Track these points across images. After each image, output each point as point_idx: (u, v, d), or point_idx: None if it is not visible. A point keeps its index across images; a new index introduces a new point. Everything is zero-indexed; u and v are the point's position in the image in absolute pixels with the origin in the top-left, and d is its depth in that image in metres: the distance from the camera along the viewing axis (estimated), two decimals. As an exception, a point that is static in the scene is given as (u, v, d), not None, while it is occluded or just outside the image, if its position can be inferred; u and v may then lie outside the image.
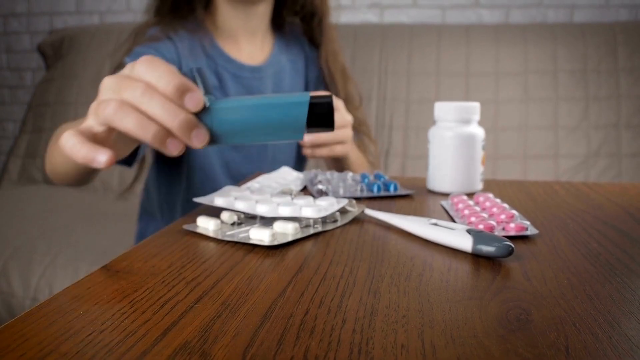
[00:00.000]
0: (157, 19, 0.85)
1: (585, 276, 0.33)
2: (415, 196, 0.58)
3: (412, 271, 0.34)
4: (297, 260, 0.36)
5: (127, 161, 0.69)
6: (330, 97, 0.40)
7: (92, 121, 0.39)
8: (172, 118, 0.36)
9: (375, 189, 0.57)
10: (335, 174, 0.63)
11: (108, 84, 0.39)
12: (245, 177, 0.87)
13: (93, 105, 0.40)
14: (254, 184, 0.58)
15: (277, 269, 0.34)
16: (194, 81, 0.41)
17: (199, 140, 0.38)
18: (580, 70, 1.57)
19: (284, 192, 0.53)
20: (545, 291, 0.30)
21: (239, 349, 0.24)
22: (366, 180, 0.59)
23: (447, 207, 0.51)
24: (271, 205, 0.44)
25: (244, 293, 0.30)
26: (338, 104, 0.72)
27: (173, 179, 0.87)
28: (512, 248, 0.35)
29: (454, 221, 0.47)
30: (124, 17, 2.02)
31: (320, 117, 0.40)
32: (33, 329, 0.26)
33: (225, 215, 0.45)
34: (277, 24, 0.92)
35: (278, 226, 0.42)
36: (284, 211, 0.44)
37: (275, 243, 0.39)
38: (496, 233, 0.41)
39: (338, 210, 0.47)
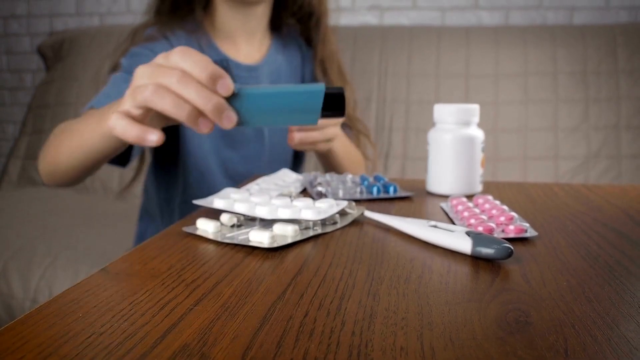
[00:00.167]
0: (156, 19, 0.85)
1: (585, 278, 0.33)
2: (414, 198, 0.58)
3: (411, 273, 0.34)
4: (297, 262, 0.36)
5: (121, 161, 0.70)
6: (342, 88, 0.46)
7: (128, 105, 0.43)
8: (205, 102, 0.41)
9: (374, 191, 0.57)
10: (335, 176, 0.63)
11: (142, 71, 0.43)
12: (242, 176, 0.87)
13: (128, 91, 0.44)
14: (254, 186, 0.58)
15: (276, 271, 0.34)
16: (225, 69, 0.44)
17: (228, 121, 0.42)
18: (580, 71, 1.57)
19: (283, 194, 0.53)
20: (544, 293, 0.30)
21: (238, 351, 0.24)
22: (366, 182, 0.59)
23: (447, 209, 0.51)
24: (271, 208, 0.44)
25: (244, 295, 0.30)
26: None
27: (171, 179, 0.87)
28: (512, 250, 0.35)
29: (453, 223, 0.47)
30: (124, 18, 2.02)
31: (333, 104, 0.46)
32: (32, 332, 0.26)
33: (224, 218, 0.45)
34: (275, 25, 0.92)
35: (277, 228, 0.42)
36: (284, 213, 0.44)
37: (275, 245, 0.39)
38: (495, 235, 0.41)
39: (337, 213, 0.47)
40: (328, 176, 0.63)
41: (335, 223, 0.46)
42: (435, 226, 0.40)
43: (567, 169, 1.53)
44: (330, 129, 0.75)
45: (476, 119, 0.59)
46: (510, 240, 0.41)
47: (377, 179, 0.61)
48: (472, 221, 0.43)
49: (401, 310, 0.28)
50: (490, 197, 0.51)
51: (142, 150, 0.74)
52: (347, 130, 0.90)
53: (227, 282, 0.33)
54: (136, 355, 0.23)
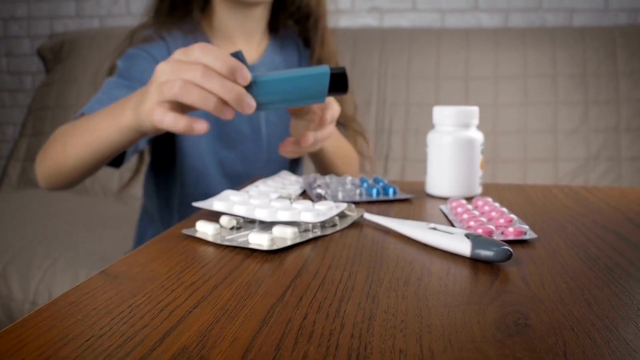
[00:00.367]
0: (154, 20, 0.85)
1: (584, 280, 0.33)
2: (414, 200, 0.58)
3: (410, 275, 0.34)
4: (296, 264, 0.36)
5: (115, 163, 0.70)
6: (344, 68, 0.52)
7: (156, 99, 0.48)
8: (228, 92, 0.46)
9: (374, 193, 0.57)
10: (334, 178, 0.63)
11: (164, 68, 0.48)
12: (239, 175, 0.87)
13: (153, 87, 0.48)
14: (253, 188, 0.58)
15: (275, 274, 0.34)
16: (241, 61, 0.49)
17: (249, 107, 0.48)
18: (580, 73, 1.57)
19: (282, 197, 0.53)
20: (543, 295, 0.31)
21: (238, 354, 0.24)
22: (365, 184, 0.59)
23: (446, 212, 0.51)
24: (270, 210, 0.44)
25: (243, 298, 0.30)
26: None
27: (169, 178, 0.87)
28: (511, 252, 0.35)
29: (452, 225, 0.47)
30: (124, 20, 2.02)
31: (337, 83, 0.52)
32: (32, 334, 0.26)
33: (224, 220, 0.45)
34: (273, 26, 0.92)
35: (277, 231, 0.42)
36: (283, 215, 0.44)
37: (274, 247, 0.39)
38: (495, 237, 0.41)
39: (337, 215, 0.47)
40: (327, 178, 0.63)
41: (334, 225, 0.46)
42: (434, 228, 0.40)
43: (566, 171, 1.53)
44: (332, 126, 0.74)
45: (476, 121, 0.59)
46: (509, 242, 0.41)
47: (376, 181, 0.61)
48: (472, 223, 0.43)
49: (400, 313, 0.28)
50: (489, 199, 0.51)
51: (137, 150, 0.75)
52: (342, 130, 0.89)
53: (226, 284, 0.33)
54: (135, 357, 0.23)
